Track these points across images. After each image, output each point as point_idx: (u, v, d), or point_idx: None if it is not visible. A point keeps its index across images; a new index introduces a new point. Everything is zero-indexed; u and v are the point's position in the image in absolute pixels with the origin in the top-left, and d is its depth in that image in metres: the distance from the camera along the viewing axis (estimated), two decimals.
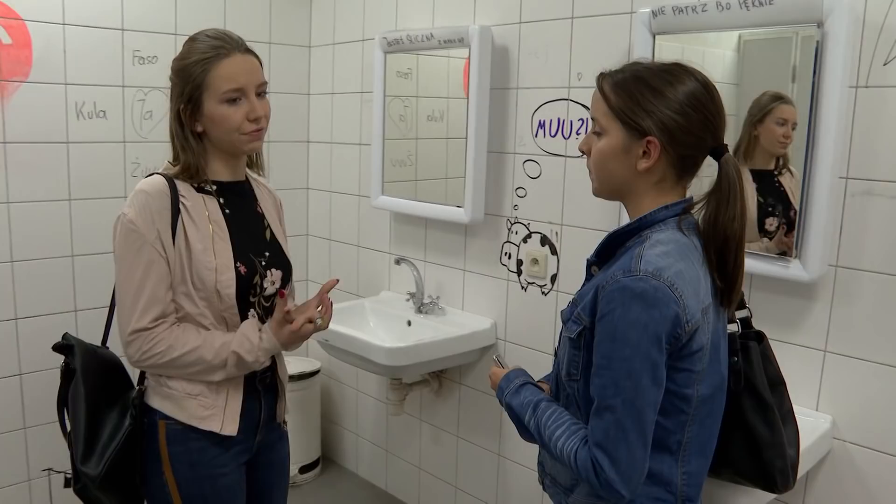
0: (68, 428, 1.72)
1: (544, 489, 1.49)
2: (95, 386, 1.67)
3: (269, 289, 1.69)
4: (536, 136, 2.46)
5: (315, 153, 3.46)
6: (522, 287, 2.58)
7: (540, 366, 2.32)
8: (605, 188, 1.35)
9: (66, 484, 1.75)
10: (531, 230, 2.52)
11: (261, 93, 1.63)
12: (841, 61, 1.70)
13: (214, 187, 1.65)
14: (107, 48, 2.75)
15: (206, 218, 1.61)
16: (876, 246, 1.77)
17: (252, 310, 1.67)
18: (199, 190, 1.63)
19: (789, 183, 1.87)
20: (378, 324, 2.90)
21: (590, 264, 1.38)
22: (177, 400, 1.62)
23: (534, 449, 2.53)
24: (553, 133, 2.41)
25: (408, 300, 2.90)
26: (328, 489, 3.36)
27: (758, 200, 1.90)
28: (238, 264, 1.62)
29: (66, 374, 1.72)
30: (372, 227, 3.18)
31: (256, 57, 1.64)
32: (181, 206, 1.58)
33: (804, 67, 1.80)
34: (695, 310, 1.21)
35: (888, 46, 1.71)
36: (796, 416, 1.46)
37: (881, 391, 1.78)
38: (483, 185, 2.59)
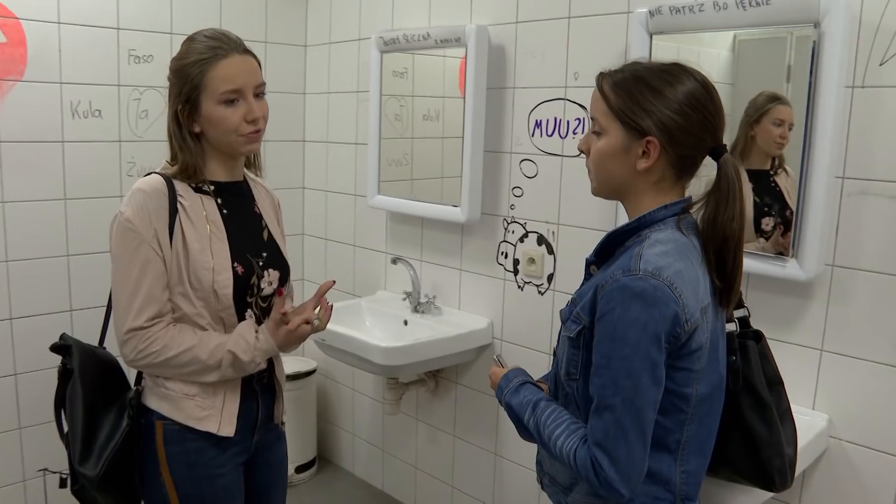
0: (65, 429, 1.72)
1: (543, 488, 1.48)
2: (93, 386, 1.67)
3: (267, 289, 1.69)
4: (533, 135, 2.46)
5: (311, 152, 3.46)
6: (519, 286, 2.58)
7: (537, 365, 2.32)
8: (605, 188, 1.35)
9: (62, 484, 1.75)
10: (528, 230, 2.53)
11: (259, 93, 1.62)
12: (837, 61, 1.71)
13: (212, 187, 1.65)
14: (102, 47, 2.74)
15: (203, 218, 1.60)
16: (872, 245, 1.77)
17: (249, 310, 1.67)
18: (197, 190, 1.63)
19: (785, 183, 1.88)
20: (374, 323, 2.90)
21: (589, 264, 1.39)
22: (174, 400, 1.62)
23: (530, 448, 2.53)
24: (550, 133, 2.42)
25: (404, 300, 2.90)
26: (324, 489, 3.36)
27: (754, 200, 1.90)
28: (235, 264, 1.61)
29: (64, 374, 1.71)
30: (368, 226, 3.17)
31: (255, 57, 1.63)
32: (179, 206, 1.58)
33: (799, 67, 1.81)
34: (694, 309, 1.21)
35: (884, 46, 1.72)
36: (793, 414, 1.47)
37: (877, 390, 1.79)
38: (480, 184, 2.60)
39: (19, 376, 2.68)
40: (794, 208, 1.82)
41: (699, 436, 1.30)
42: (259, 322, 1.68)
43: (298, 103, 3.42)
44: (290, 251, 1.82)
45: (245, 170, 1.77)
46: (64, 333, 1.75)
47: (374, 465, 3.34)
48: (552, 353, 1.47)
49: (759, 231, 1.90)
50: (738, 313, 1.40)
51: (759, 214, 1.90)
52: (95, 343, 1.79)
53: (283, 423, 1.86)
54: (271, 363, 1.75)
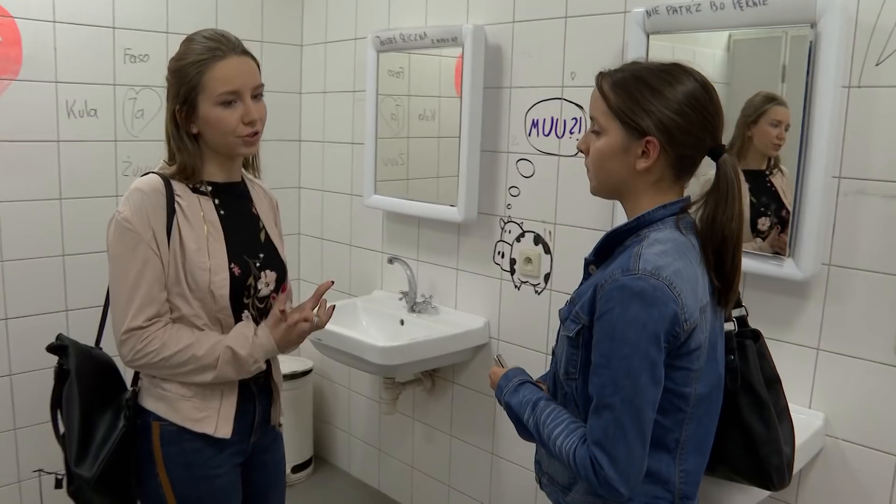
0: (61, 430, 1.71)
1: (541, 488, 1.49)
2: (90, 387, 1.66)
3: (264, 290, 1.69)
4: (530, 135, 2.47)
5: (307, 152, 3.46)
6: (516, 286, 2.58)
7: (533, 364, 2.32)
8: (604, 187, 1.35)
9: (57, 485, 1.74)
10: (524, 229, 2.53)
11: (257, 95, 1.61)
12: (834, 61, 1.71)
13: (210, 188, 1.64)
14: (98, 46, 2.74)
15: (200, 218, 1.60)
16: (868, 245, 1.78)
17: (246, 311, 1.66)
18: (195, 190, 1.62)
19: (781, 183, 1.89)
20: (371, 323, 2.90)
21: (588, 263, 1.39)
22: (171, 401, 1.61)
23: (527, 447, 2.53)
24: (546, 132, 2.42)
25: (400, 299, 2.90)
26: (321, 489, 3.35)
27: (750, 200, 1.91)
28: (232, 265, 1.61)
29: (60, 375, 1.70)
30: (364, 226, 3.17)
31: (253, 59, 1.62)
32: (177, 206, 1.57)
33: (794, 67, 1.81)
34: (693, 308, 1.21)
35: (880, 46, 1.72)
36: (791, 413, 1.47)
37: (873, 389, 1.80)
38: (476, 184, 2.60)
39: (14, 377, 2.67)
40: (790, 208, 1.83)
41: (698, 435, 1.31)
42: (256, 323, 1.68)
43: (294, 103, 3.42)
44: (286, 251, 1.82)
45: (243, 170, 1.76)
46: (60, 334, 1.74)
47: (371, 464, 3.34)
48: (550, 352, 1.47)
49: (755, 231, 1.90)
50: (736, 313, 1.41)
51: (756, 214, 1.90)
52: (92, 343, 1.79)
53: (280, 425, 1.85)
54: (269, 364, 1.75)
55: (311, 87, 3.38)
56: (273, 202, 1.84)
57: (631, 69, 1.28)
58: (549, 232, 2.45)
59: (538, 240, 2.49)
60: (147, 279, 1.54)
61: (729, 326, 1.38)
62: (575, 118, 2.33)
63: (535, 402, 1.35)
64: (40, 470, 2.54)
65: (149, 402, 1.63)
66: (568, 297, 1.39)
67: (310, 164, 3.45)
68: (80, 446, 1.62)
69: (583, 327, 1.27)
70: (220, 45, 1.56)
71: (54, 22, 2.61)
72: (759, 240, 1.90)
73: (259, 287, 1.67)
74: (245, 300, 1.65)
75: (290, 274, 1.83)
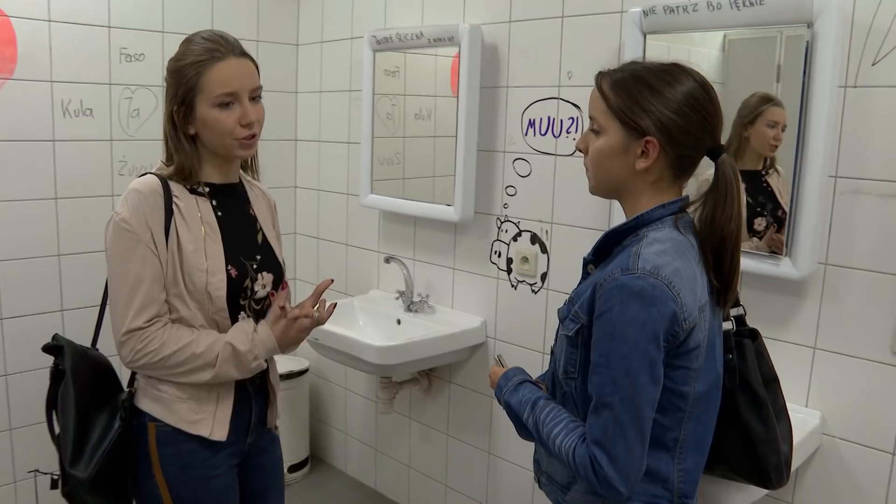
0: (57, 430, 1.70)
1: (540, 487, 1.49)
2: (85, 387, 1.65)
3: (260, 292, 1.68)
4: (526, 134, 2.47)
5: (303, 151, 3.45)
6: (512, 285, 2.58)
7: (530, 364, 2.32)
8: (602, 187, 1.35)
9: (53, 486, 1.73)
10: (521, 228, 2.53)
11: (255, 97, 1.61)
12: (831, 61, 1.72)
13: (207, 189, 1.64)
14: (93, 45, 2.73)
15: (198, 219, 1.60)
16: (864, 244, 1.79)
17: (242, 312, 1.66)
18: (192, 191, 1.62)
19: (776, 183, 1.89)
20: (367, 322, 2.90)
21: (587, 262, 1.39)
22: (166, 403, 1.61)
23: (524, 447, 2.54)
24: (543, 132, 2.42)
25: (397, 299, 2.90)
26: (317, 488, 3.35)
27: (746, 201, 1.91)
28: (229, 267, 1.61)
29: (56, 375, 1.69)
30: (361, 225, 3.17)
31: (252, 60, 1.62)
32: (174, 207, 1.57)
33: (788, 67, 1.82)
34: (692, 308, 1.22)
35: (876, 47, 1.73)
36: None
37: (870, 387, 1.80)
38: (473, 183, 2.60)
39: (10, 377, 2.66)
40: (786, 208, 1.84)
41: (696, 434, 1.31)
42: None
43: (290, 102, 3.42)
44: (284, 251, 1.81)
45: (241, 171, 1.76)
46: (56, 334, 1.74)
47: (367, 464, 3.33)
48: (549, 351, 1.47)
49: (751, 231, 1.91)
50: (734, 312, 1.41)
51: (752, 214, 1.91)
52: (88, 344, 1.78)
53: (276, 428, 1.85)
54: (267, 365, 1.74)
55: (308, 86, 3.38)
56: (271, 203, 1.84)
57: (630, 69, 1.28)
58: (546, 231, 2.46)
59: (535, 239, 2.49)
60: (146, 280, 1.53)
61: (727, 326, 1.38)
62: (572, 118, 2.33)
63: (535, 401, 1.35)
64: (36, 470, 2.52)
65: (145, 403, 1.63)
66: (564, 297, 1.40)
67: (306, 163, 3.44)
68: (75, 447, 1.61)
69: (582, 326, 1.27)
70: (218, 47, 1.56)
71: (49, 21, 2.61)
72: (755, 239, 1.91)
73: (256, 289, 1.67)
74: (241, 302, 1.65)
75: (287, 274, 1.83)
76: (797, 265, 1.81)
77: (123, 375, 1.72)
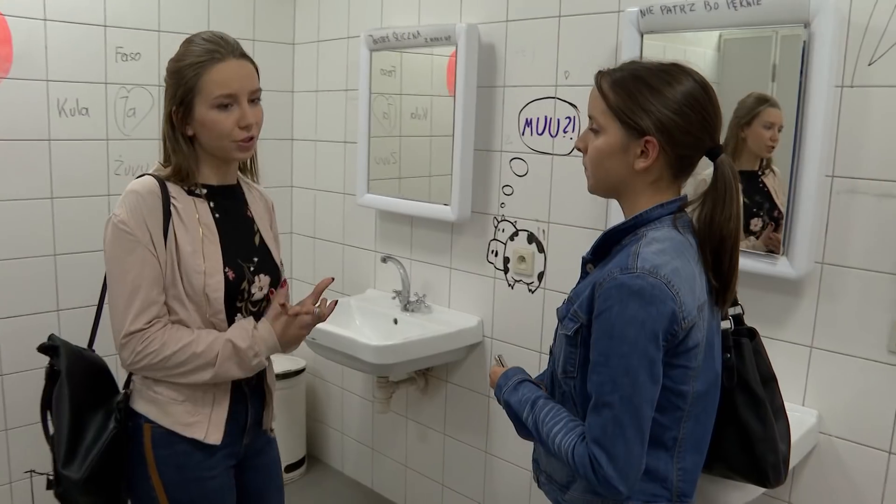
0: (51, 431, 1.70)
1: (539, 486, 1.49)
2: (80, 388, 1.64)
3: (257, 294, 1.68)
4: (523, 134, 2.47)
5: (299, 151, 3.45)
6: (509, 285, 2.58)
7: (527, 363, 2.33)
8: (601, 186, 1.35)
9: (49, 486, 1.72)
10: (518, 228, 2.53)
11: (254, 99, 1.60)
12: (827, 61, 1.72)
13: (204, 191, 1.63)
14: (89, 45, 2.72)
15: (196, 221, 1.59)
16: (860, 243, 1.79)
17: (239, 314, 1.65)
18: (190, 193, 1.61)
19: (772, 183, 1.90)
20: (364, 322, 2.90)
21: (585, 262, 1.39)
22: (162, 405, 1.60)
23: (521, 446, 2.54)
24: (540, 131, 2.42)
25: (394, 298, 2.90)
26: (314, 488, 3.35)
27: (743, 201, 1.91)
28: (226, 269, 1.60)
29: (51, 375, 1.68)
30: (357, 225, 3.17)
31: (252, 63, 1.61)
32: (172, 209, 1.56)
33: (784, 66, 1.83)
34: (691, 307, 1.22)
35: (872, 47, 1.74)
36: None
37: (866, 386, 1.81)
38: (470, 183, 2.60)
39: (5, 377, 2.66)
40: (782, 208, 1.84)
41: (695, 433, 1.31)
42: None
43: (286, 101, 3.41)
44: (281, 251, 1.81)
45: (240, 173, 1.76)
46: (52, 334, 1.73)
47: (364, 463, 3.33)
48: (548, 351, 1.47)
49: (747, 231, 1.91)
50: (732, 311, 1.41)
51: (748, 215, 1.91)
52: (84, 344, 1.77)
53: (272, 430, 1.84)
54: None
55: (304, 85, 3.37)
56: (269, 204, 1.83)
57: (630, 68, 1.28)
58: (543, 231, 2.46)
59: (532, 238, 2.49)
60: (146, 282, 1.53)
61: (725, 325, 1.38)
62: (569, 117, 2.34)
63: (534, 400, 1.35)
64: (32, 471, 2.51)
65: (140, 405, 1.62)
66: (561, 296, 1.40)
67: (302, 162, 3.44)
68: (68, 447, 1.60)
69: (581, 326, 1.27)
70: (218, 48, 1.56)
71: (45, 20, 2.60)
72: (752, 238, 1.91)
73: (253, 291, 1.66)
74: (238, 304, 1.64)
75: (284, 273, 1.82)
76: (794, 264, 1.82)
77: (120, 377, 1.71)
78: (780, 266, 1.84)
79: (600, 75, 1.30)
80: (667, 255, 1.22)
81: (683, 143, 1.25)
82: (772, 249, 1.87)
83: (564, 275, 2.41)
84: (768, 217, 1.89)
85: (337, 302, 1.74)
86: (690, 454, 1.31)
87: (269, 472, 1.85)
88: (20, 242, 2.64)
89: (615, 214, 2.10)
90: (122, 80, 2.81)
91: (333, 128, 3.23)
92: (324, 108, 3.28)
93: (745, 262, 1.87)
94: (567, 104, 2.33)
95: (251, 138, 1.61)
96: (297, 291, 3.39)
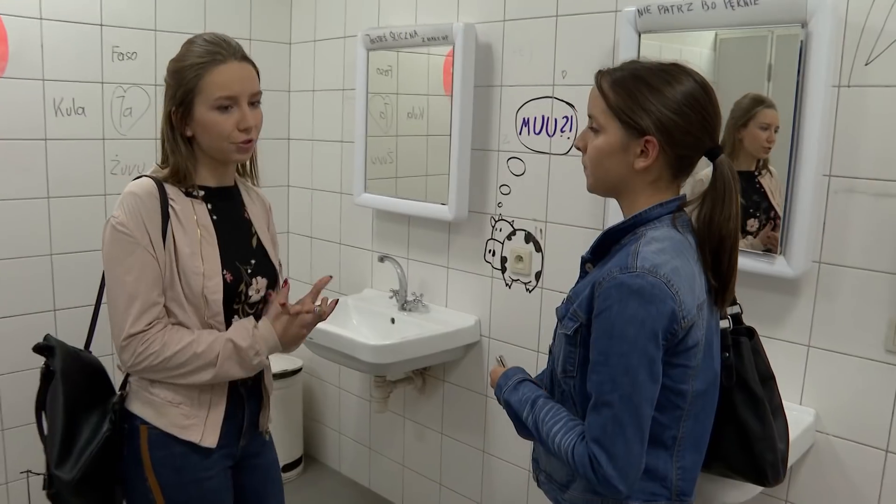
0: (46, 431, 1.69)
1: (539, 486, 1.49)
2: (75, 389, 1.63)
3: (254, 296, 1.67)
4: (521, 133, 2.47)
5: (296, 150, 3.44)
6: (507, 284, 2.59)
7: (524, 363, 2.33)
8: (601, 185, 1.35)
9: (45, 486, 1.72)
10: (515, 227, 2.53)
11: (254, 102, 1.60)
12: (825, 61, 1.73)
13: (202, 192, 1.63)
14: (85, 44, 2.71)
15: (194, 222, 1.59)
16: (857, 242, 1.80)
17: (236, 316, 1.65)
18: (187, 194, 1.61)
19: (769, 183, 1.90)
20: (361, 321, 2.89)
21: (585, 261, 1.39)
22: (158, 406, 1.59)
23: (519, 445, 2.54)
24: (537, 130, 2.42)
25: (391, 298, 2.90)
26: (311, 487, 3.35)
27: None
28: (224, 271, 1.60)
29: (46, 376, 1.67)
30: (354, 224, 3.17)
31: (253, 65, 1.61)
32: (171, 210, 1.56)
33: (780, 66, 1.83)
34: (690, 306, 1.22)
35: (869, 47, 1.74)
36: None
37: (863, 385, 1.82)
38: (467, 182, 2.60)
39: (2, 377, 2.65)
40: (779, 209, 1.85)
41: (695, 432, 1.31)
42: None
43: (283, 101, 3.41)
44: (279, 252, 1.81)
45: (238, 176, 1.75)
46: (48, 335, 1.72)
47: (361, 463, 3.33)
48: (545, 350, 1.47)
49: (743, 232, 1.92)
50: (730, 310, 1.41)
51: (745, 216, 1.91)
52: (81, 345, 1.76)
53: (268, 432, 1.83)
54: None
55: (300, 85, 3.37)
56: (266, 205, 1.83)
57: (630, 68, 1.28)
58: (540, 230, 2.46)
59: (529, 238, 2.49)
60: (146, 283, 1.52)
61: (724, 324, 1.38)
62: (566, 117, 2.34)
63: (534, 399, 1.35)
64: (28, 471, 2.51)
65: (136, 407, 1.61)
66: (559, 295, 1.40)
67: (299, 162, 3.44)
68: (62, 448, 1.59)
69: (581, 325, 1.27)
70: (220, 50, 1.55)
71: (41, 19, 2.59)
72: (750, 237, 1.91)
73: (250, 293, 1.66)
74: (235, 306, 1.64)
75: (284, 274, 1.82)
76: (792, 263, 1.82)
77: (116, 378, 1.71)
78: (778, 265, 1.84)
79: (600, 74, 1.30)
80: (666, 254, 1.23)
81: (683, 143, 1.26)
82: (769, 248, 1.87)
83: (562, 274, 2.41)
84: (765, 218, 1.90)
85: (337, 301, 1.74)
86: (690, 453, 1.32)
87: (268, 473, 1.84)
88: (16, 242, 2.63)
89: (613, 214, 2.11)
90: (118, 79, 2.81)
91: (330, 127, 3.23)
92: (320, 108, 3.28)
93: (743, 262, 1.86)
94: (564, 104, 2.33)
95: (250, 141, 1.61)
96: (295, 291, 3.37)
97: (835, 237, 1.83)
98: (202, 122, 1.56)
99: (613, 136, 1.27)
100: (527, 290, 2.52)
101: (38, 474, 1.78)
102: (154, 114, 2.87)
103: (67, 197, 2.73)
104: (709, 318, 1.30)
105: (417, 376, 2.91)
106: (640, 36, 2.03)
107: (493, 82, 2.53)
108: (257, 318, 1.68)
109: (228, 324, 1.63)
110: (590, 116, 1.32)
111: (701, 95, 1.25)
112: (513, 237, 2.54)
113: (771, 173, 1.90)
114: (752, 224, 1.92)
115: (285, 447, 3.30)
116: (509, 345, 2.60)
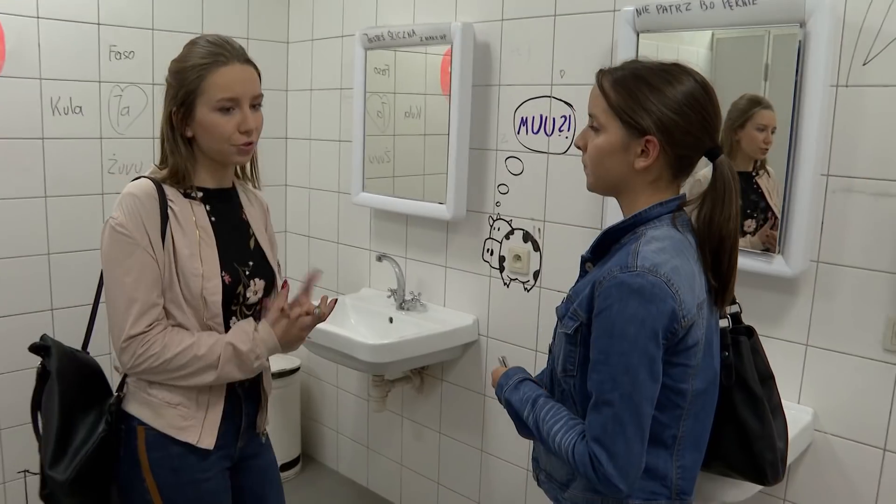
0: (41, 431, 1.68)
1: (539, 485, 1.49)
2: (70, 389, 1.62)
3: (252, 298, 1.67)
4: (519, 132, 2.47)
5: (293, 150, 3.44)
6: (505, 283, 2.59)
7: (523, 362, 2.33)
8: (601, 184, 1.35)
9: (40, 488, 1.71)
10: (513, 226, 2.53)
11: (255, 105, 1.60)
12: (823, 61, 1.73)
13: (200, 194, 1.63)
14: (82, 43, 2.70)
15: (193, 223, 1.58)
16: (855, 241, 1.80)
17: (234, 318, 1.65)
18: (186, 196, 1.60)
19: (766, 184, 1.90)
20: (359, 321, 2.89)
21: (584, 261, 1.39)
22: (155, 407, 1.59)
23: (517, 444, 2.54)
24: (535, 130, 2.42)
25: (389, 297, 2.90)
26: (309, 487, 3.35)
27: None
28: (223, 273, 1.60)
29: (42, 375, 1.67)
30: (352, 223, 3.16)
31: (255, 68, 1.61)
32: (170, 211, 1.55)
33: (776, 65, 1.84)
34: (691, 305, 1.22)
35: (867, 46, 1.75)
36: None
37: (861, 384, 1.82)
38: (465, 181, 2.60)
39: None
40: (776, 210, 1.85)
41: (694, 431, 1.32)
42: None
43: (280, 100, 3.40)
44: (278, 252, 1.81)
45: (236, 178, 1.75)
46: (45, 334, 1.71)
47: (359, 462, 3.33)
48: (544, 349, 1.47)
49: (741, 232, 1.92)
50: (730, 309, 1.41)
51: (743, 216, 1.91)
52: (79, 344, 1.75)
53: (265, 433, 1.83)
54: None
55: (298, 84, 3.37)
56: (264, 207, 1.82)
57: (631, 67, 1.28)
58: (539, 229, 2.46)
59: (527, 237, 2.50)
60: (145, 285, 1.52)
61: (723, 323, 1.38)
62: (564, 116, 2.34)
63: (535, 398, 1.35)
64: (25, 471, 2.51)
65: (133, 407, 1.61)
66: (557, 295, 1.40)
67: (296, 161, 3.43)
68: (56, 448, 1.59)
69: (581, 324, 1.28)
70: (223, 51, 1.55)
71: (38, 18, 2.58)
72: (748, 236, 1.92)
73: (248, 295, 1.66)
74: (233, 307, 1.64)
75: (283, 275, 1.82)
76: (790, 263, 1.82)
77: (113, 379, 1.70)
78: (777, 264, 1.85)
79: (601, 74, 1.30)
80: (666, 253, 1.23)
81: (683, 143, 1.26)
82: (768, 248, 1.88)
83: (560, 273, 2.41)
84: (762, 218, 1.90)
85: (336, 301, 1.73)
86: (690, 452, 1.32)
87: (266, 474, 1.84)
88: (13, 241, 2.63)
89: (611, 213, 2.11)
90: (115, 78, 2.80)
91: (328, 126, 3.23)
92: (318, 107, 3.27)
93: (742, 261, 1.85)
94: (563, 103, 2.34)
95: (250, 143, 1.61)
96: (292, 291, 3.38)
97: (833, 236, 1.83)
98: (203, 123, 1.55)
99: (614, 135, 1.27)
100: (525, 289, 2.52)
101: (36, 474, 1.78)
102: (151, 113, 2.86)
103: (65, 196, 2.72)
104: (708, 318, 1.30)
105: (415, 375, 2.91)
106: (638, 35, 2.03)
107: (492, 82, 2.53)
108: (255, 318, 1.68)
109: (227, 325, 1.62)
110: (590, 115, 1.32)
111: (701, 95, 1.26)
112: (511, 236, 2.54)
113: (768, 174, 1.90)
114: (750, 224, 1.92)
115: (283, 447, 3.30)
116: (507, 344, 2.60)
